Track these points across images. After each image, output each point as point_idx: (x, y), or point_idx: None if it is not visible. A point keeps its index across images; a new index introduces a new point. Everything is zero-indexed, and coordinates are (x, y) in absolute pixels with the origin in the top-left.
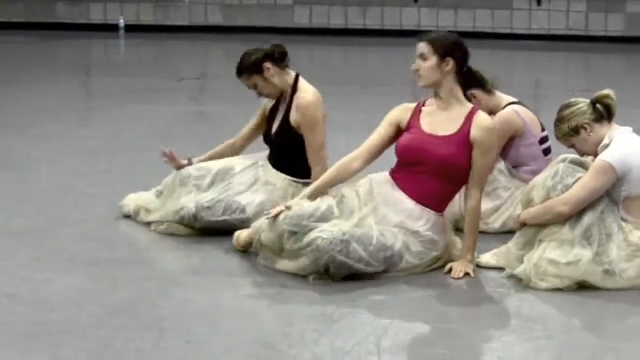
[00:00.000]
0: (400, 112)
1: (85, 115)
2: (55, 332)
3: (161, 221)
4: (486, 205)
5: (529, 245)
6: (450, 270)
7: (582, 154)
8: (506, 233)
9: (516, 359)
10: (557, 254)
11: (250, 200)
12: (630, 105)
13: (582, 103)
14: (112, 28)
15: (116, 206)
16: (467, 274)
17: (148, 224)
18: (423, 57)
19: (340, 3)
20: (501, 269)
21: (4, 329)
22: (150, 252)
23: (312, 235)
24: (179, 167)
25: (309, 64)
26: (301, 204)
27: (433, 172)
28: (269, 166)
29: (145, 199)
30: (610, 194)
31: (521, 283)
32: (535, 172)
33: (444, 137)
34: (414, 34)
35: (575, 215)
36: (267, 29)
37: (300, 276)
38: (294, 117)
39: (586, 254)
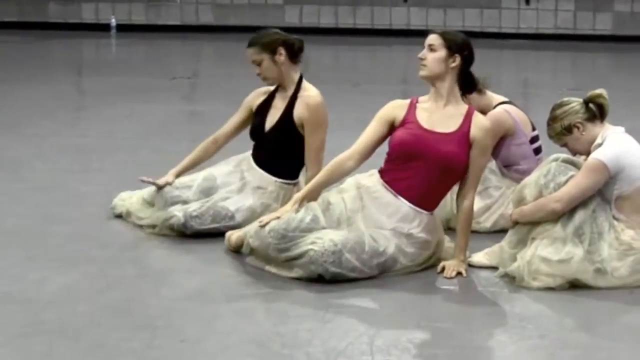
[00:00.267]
0: (394, 109)
1: (77, 114)
2: (48, 332)
3: (153, 225)
4: (477, 204)
5: (521, 243)
6: (443, 269)
7: (574, 154)
8: (497, 232)
9: (509, 358)
10: (549, 252)
11: (239, 205)
12: (618, 105)
13: (575, 102)
14: (104, 28)
15: (109, 205)
16: (459, 273)
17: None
18: (432, 48)
19: (330, 3)
20: (493, 268)
21: None
22: (144, 251)
23: (304, 247)
24: (160, 188)
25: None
26: (289, 215)
27: (429, 168)
28: (254, 167)
29: (136, 202)
30: (602, 193)
31: (514, 282)
32: (526, 172)
33: (443, 135)
34: (404, 34)
35: (567, 213)
36: (258, 29)
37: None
38: (298, 114)
39: (578, 252)
